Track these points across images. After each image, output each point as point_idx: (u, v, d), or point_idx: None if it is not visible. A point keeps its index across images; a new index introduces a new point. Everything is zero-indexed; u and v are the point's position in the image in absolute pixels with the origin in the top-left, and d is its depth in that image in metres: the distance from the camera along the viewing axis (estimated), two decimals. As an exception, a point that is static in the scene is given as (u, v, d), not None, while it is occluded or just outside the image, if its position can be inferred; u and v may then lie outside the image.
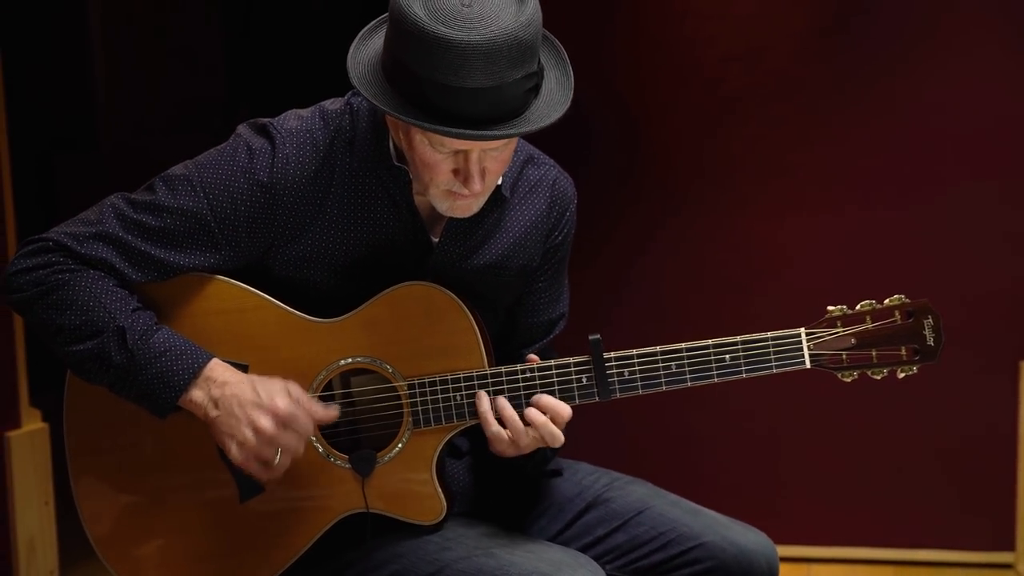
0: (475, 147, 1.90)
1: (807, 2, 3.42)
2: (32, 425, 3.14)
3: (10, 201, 3.11)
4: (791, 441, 3.55)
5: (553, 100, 1.91)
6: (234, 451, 1.96)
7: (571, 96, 1.93)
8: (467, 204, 1.98)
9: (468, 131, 1.84)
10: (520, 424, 1.99)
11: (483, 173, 1.94)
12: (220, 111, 5.60)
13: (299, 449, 1.97)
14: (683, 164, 3.53)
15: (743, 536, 2.12)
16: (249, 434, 1.94)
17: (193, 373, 1.97)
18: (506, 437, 2.00)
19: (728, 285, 3.54)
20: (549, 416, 1.99)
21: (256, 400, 1.95)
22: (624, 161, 3.57)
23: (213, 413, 1.97)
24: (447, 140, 1.89)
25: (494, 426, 2.00)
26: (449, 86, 1.82)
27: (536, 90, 1.90)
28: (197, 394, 1.98)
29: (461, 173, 1.93)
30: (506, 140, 1.91)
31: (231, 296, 2.06)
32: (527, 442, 2.00)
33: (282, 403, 1.95)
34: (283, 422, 1.95)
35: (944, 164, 3.40)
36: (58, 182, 5.16)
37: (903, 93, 3.39)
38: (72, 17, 5.15)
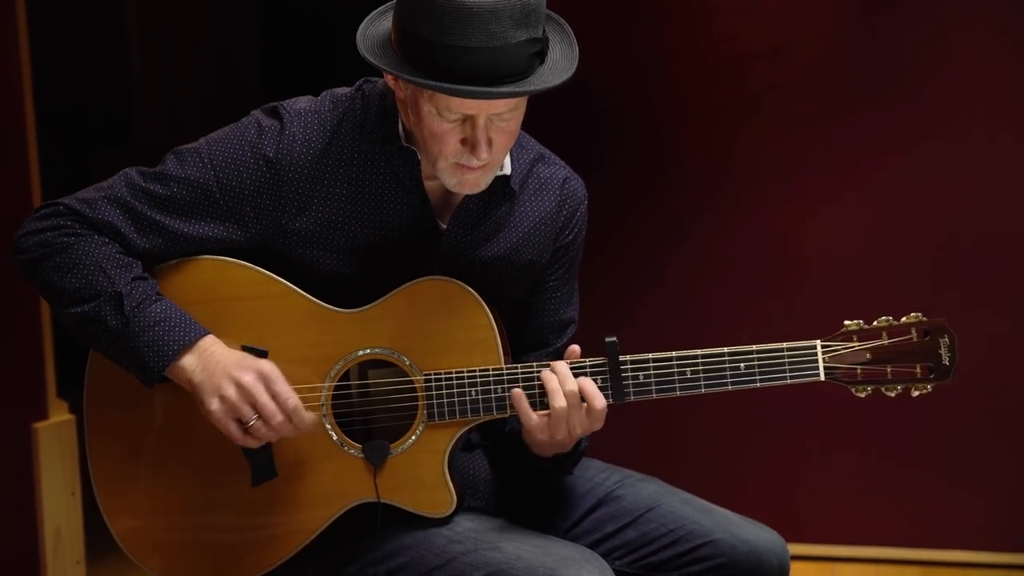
0: (482, 109, 1.94)
1: (833, -1, 3.41)
2: (59, 417, 3.17)
3: (38, 198, 3.14)
4: (816, 436, 3.53)
5: (558, 68, 1.96)
6: (214, 406, 1.99)
7: (575, 66, 1.97)
8: (475, 178, 2.02)
9: (473, 88, 1.88)
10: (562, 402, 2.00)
11: (490, 143, 1.97)
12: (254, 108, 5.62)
13: (275, 416, 1.99)
14: (708, 163, 3.52)
15: (754, 534, 2.13)
16: (230, 389, 1.99)
17: (186, 343, 2.01)
18: (537, 421, 2.02)
19: (752, 283, 3.52)
20: (585, 401, 2.01)
21: (239, 363, 2.01)
22: (648, 160, 3.56)
23: (197, 378, 2.01)
24: (454, 104, 1.93)
25: (529, 413, 2.02)
26: (456, 46, 1.87)
27: (541, 57, 1.95)
28: (188, 360, 2.01)
29: (469, 142, 1.97)
30: (512, 106, 1.96)
31: (254, 283, 2.09)
32: (563, 428, 2.01)
33: (265, 364, 2.01)
34: (263, 380, 1.99)
35: (972, 161, 3.37)
36: (94, 178, 5.20)
37: (930, 90, 3.36)
38: (108, 14, 5.20)
